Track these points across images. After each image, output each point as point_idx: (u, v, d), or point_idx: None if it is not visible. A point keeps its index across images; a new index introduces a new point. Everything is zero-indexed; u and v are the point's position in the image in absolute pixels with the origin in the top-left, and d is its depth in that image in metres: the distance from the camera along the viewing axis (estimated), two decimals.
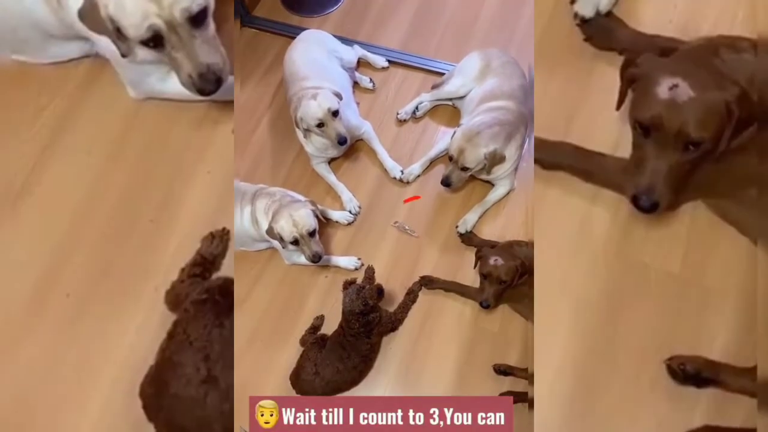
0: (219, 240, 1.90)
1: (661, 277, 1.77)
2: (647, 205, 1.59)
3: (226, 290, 1.70)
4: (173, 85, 1.91)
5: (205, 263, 1.85)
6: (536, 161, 1.89)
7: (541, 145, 1.89)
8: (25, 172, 1.97)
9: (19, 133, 2.01)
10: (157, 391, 1.61)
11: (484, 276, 2.20)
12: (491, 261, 2.17)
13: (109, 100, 2.03)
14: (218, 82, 1.77)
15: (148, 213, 1.91)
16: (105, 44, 1.84)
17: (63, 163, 1.97)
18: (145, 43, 1.69)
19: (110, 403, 1.74)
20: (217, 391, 1.56)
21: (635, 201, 1.61)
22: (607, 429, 1.67)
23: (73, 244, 1.88)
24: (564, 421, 1.68)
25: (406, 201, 2.61)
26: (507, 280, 2.15)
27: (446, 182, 2.40)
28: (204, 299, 1.66)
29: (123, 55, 1.78)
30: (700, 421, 1.65)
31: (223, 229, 1.91)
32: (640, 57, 1.64)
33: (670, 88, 1.51)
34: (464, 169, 2.35)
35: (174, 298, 1.79)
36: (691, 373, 1.65)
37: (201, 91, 1.77)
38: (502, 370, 2.20)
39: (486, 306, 2.20)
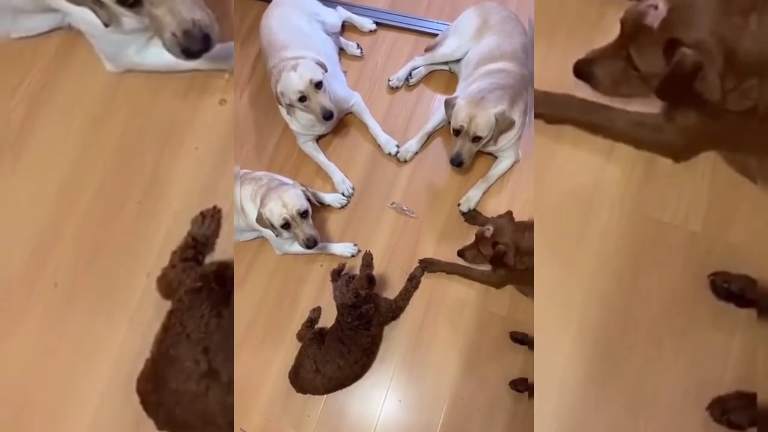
0: (210, 220, 1.95)
1: (683, 236, 1.87)
2: None
3: (222, 277, 1.78)
4: (152, 56, 1.98)
5: (197, 245, 1.90)
6: (539, 115, 1.94)
7: (544, 98, 1.95)
8: (1, 154, 2.01)
9: None
10: (155, 386, 1.70)
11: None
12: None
13: (86, 75, 2.08)
14: (206, 40, 1.77)
15: (135, 194, 1.97)
16: (79, 15, 1.89)
17: (41, 143, 2.02)
18: (123, 1, 1.70)
19: (107, 398, 1.82)
20: (218, 384, 1.65)
21: None
22: (631, 397, 1.77)
23: (58, 230, 1.93)
24: (585, 390, 1.78)
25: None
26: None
27: (458, 160, 2.33)
28: (199, 287, 1.74)
29: (105, 25, 1.81)
30: (729, 388, 1.76)
31: (214, 207, 1.97)
32: None
33: None
34: (476, 139, 2.30)
35: (167, 285, 1.85)
36: (735, 292, 1.79)
37: (187, 51, 1.77)
38: (519, 338, 2.27)
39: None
